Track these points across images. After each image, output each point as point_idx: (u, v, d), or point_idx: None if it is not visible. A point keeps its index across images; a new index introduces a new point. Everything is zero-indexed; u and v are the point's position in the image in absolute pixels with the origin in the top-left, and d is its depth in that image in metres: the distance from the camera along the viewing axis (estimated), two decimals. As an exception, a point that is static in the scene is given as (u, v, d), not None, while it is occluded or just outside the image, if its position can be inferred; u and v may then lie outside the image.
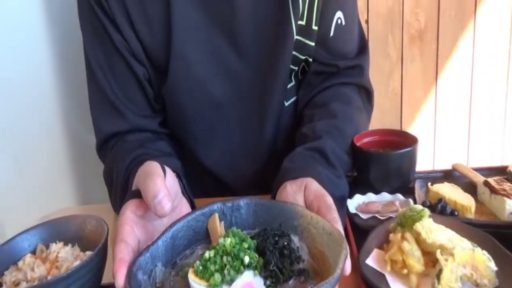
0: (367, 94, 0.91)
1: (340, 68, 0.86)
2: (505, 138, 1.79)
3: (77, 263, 0.52)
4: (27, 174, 0.94)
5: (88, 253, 0.53)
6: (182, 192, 0.63)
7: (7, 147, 0.89)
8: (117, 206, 0.73)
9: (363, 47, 0.90)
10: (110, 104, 0.78)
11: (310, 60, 0.84)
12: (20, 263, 0.54)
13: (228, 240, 0.48)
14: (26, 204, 0.88)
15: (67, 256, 0.54)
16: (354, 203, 0.77)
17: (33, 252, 0.57)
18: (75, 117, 1.06)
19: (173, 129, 0.86)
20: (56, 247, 0.56)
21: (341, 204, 0.69)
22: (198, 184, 0.84)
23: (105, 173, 0.80)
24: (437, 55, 1.77)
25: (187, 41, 0.76)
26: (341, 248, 0.45)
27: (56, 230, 0.59)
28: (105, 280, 0.56)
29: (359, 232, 0.68)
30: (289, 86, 0.86)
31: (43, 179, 1.00)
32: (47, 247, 0.57)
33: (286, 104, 0.87)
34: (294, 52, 0.81)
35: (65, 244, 0.57)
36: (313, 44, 0.82)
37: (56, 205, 0.83)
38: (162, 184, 0.51)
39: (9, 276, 0.53)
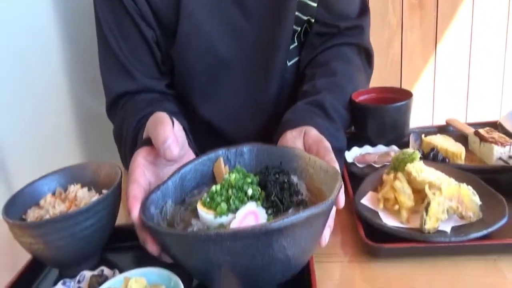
0: (367, 55, 0.93)
1: (341, 29, 0.89)
2: (502, 106, 1.82)
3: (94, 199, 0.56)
4: (36, 136, 0.97)
5: (104, 191, 0.58)
6: (189, 145, 0.67)
7: (17, 109, 0.92)
8: (127, 160, 0.76)
9: (364, 9, 0.92)
10: (119, 65, 0.81)
11: (312, 21, 0.87)
12: (42, 202, 0.59)
13: (233, 175, 0.52)
14: (35, 165, 0.92)
15: (85, 196, 0.59)
16: (352, 155, 0.82)
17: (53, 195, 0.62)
18: (83, 83, 1.09)
19: (180, 88, 0.89)
20: (74, 188, 0.60)
21: (339, 155, 0.73)
22: (204, 142, 0.87)
23: (115, 130, 0.84)
24: (436, 23, 1.78)
25: (195, 2, 0.78)
26: (336, 181, 0.49)
27: (73, 175, 0.63)
28: (118, 222, 0.61)
29: (356, 179, 0.72)
30: (291, 46, 0.88)
31: (51, 141, 1.03)
32: (65, 190, 0.62)
33: (289, 64, 0.90)
34: (297, 13, 0.83)
35: (82, 186, 0.61)
36: (315, 4, 0.84)
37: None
38: (171, 131, 0.55)
39: (32, 213, 0.57)
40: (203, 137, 0.89)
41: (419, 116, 0.85)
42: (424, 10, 1.76)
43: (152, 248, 0.49)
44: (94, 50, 0.85)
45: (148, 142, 0.58)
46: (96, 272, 0.53)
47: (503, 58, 1.79)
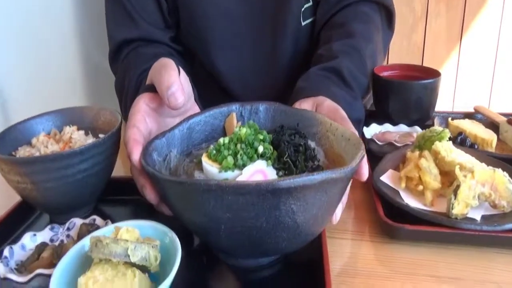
0: (387, 14, 0.86)
1: None
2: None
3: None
4: (42, 91, 0.93)
5: (102, 135, 0.53)
6: (195, 100, 0.61)
7: (24, 63, 0.88)
8: (127, 111, 0.72)
9: None
10: (124, 12, 0.78)
11: None
12: (34, 140, 0.54)
13: (244, 130, 0.47)
14: (36, 111, 0.88)
15: (80, 138, 0.54)
16: (371, 131, 0.76)
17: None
18: (91, 38, 1.04)
19: (187, 42, 0.84)
20: (69, 129, 0.55)
21: (357, 127, 0.68)
22: (209, 100, 0.82)
23: (116, 82, 0.79)
24: (464, 11, 1.70)
25: None
26: (359, 150, 0.44)
27: (70, 118, 0.58)
28: (115, 173, 0.56)
29: (374, 157, 0.67)
30: (306, 5, 0.82)
31: (57, 96, 1.00)
32: (61, 131, 0.56)
33: (303, 24, 0.83)
34: None
35: (79, 129, 0.56)
36: None
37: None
38: (177, 77, 0.50)
39: (23, 151, 0.52)
40: (208, 94, 0.84)
41: (439, 104, 0.79)
42: (451, -2, 1.68)
43: (150, 195, 0.45)
44: (102, 4, 0.81)
45: (152, 89, 0.52)
46: (87, 221, 0.48)
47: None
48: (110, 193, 0.56)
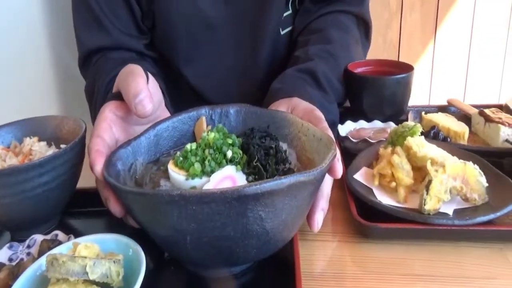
0: (365, 27, 0.87)
1: None
2: (501, 93, 1.77)
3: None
4: (12, 92, 0.90)
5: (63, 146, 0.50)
6: (166, 106, 0.60)
7: None
8: None
9: None
10: (94, 18, 0.75)
11: None
12: (-9, 154, 0.51)
13: (212, 135, 0.45)
14: (5, 119, 0.86)
15: (42, 150, 0.51)
16: (345, 129, 0.75)
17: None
18: (62, 40, 1.01)
19: (162, 50, 0.82)
20: (30, 141, 0.53)
21: (331, 129, 0.67)
22: (185, 108, 0.81)
23: (86, 88, 0.77)
24: (437, 5, 1.71)
25: None
26: (330, 149, 0.43)
27: (31, 128, 0.56)
28: (81, 184, 0.54)
29: (349, 155, 0.66)
30: (285, 14, 0.81)
31: (28, 100, 0.97)
32: (21, 143, 0.54)
33: (282, 32, 0.83)
34: None
35: (41, 140, 0.54)
36: None
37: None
38: (144, 85, 0.48)
39: (-21, 166, 0.50)
40: (183, 101, 0.82)
41: (415, 99, 0.79)
42: (425, -9, 1.69)
43: (114, 208, 0.43)
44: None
45: (119, 96, 0.50)
46: (48, 237, 0.46)
47: (504, 44, 1.73)
48: (76, 205, 0.54)
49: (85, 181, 0.56)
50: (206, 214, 0.35)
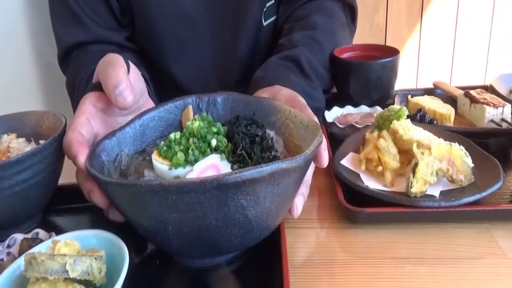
0: (351, 12, 0.86)
1: None
2: (487, 74, 1.78)
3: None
4: None
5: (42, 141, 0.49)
6: (149, 94, 0.59)
7: None
8: None
9: None
10: (71, 13, 0.73)
11: None
12: (-33, 153, 0.50)
13: (196, 123, 0.44)
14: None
15: (20, 147, 0.50)
16: (332, 115, 0.75)
17: (-16, 146, 0.53)
18: (43, 37, 0.99)
19: (143, 44, 0.80)
20: (7, 138, 0.51)
21: (316, 115, 0.67)
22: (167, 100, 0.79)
23: (67, 83, 0.75)
24: (423, -12, 1.71)
25: None
26: (316, 136, 0.42)
27: (9, 125, 0.54)
28: (62, 181, 0.53)
29: (336, 140, 0.65)
30: (268, 4, 0.80)
31: (10, 99, 0.94)
32: (-1, 141, 0.53)
33: (265, 23, 0.81)
34: None
35: (19, 137, 0.53)
36: None
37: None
38: (124, 75, 0.47)
39: (-45, 166, 0.48)
40: (166, 94, 0.81)
41: (403, 83, 0.79)
42: (411, -25, 1.68)
43: (98, 199, 0.42)
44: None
45: (99, 87, 0.49)
46: (29, 236, 0.45)
47: (489, 27, 1.74)
48: (58, 202, 0.53)
49: (66, 177, 0.55)
50: (186, 203, 0.35)
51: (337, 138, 0.67)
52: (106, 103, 0.49)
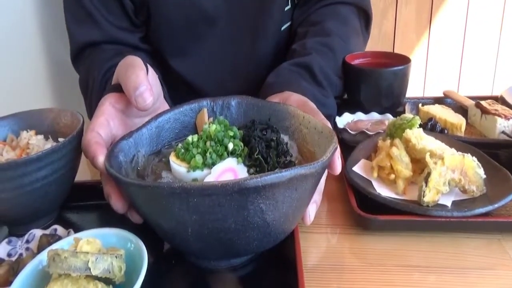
0: (366, 18, 0.86)
1: None
2: (494, 83, 1.78)
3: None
4: (6, 92, 0.88)
5: (62, 139, 0.50)
6: (165, 97, 0.59)
7: None
8: (93, 112, 0.69)
9: None
10: (84, 11, 0.73)
11: None
12: (-12, 148, 0.51)
13: (213, 127, 0.45)
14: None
15: (39, 144, 0.51)
16: (343, 121, 0.75)
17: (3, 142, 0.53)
18: (54, 35, 1.00)
19: (158, 44, 0.80)
20: (27, 134, 0.52)
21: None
22: (181, 102, 0.80)
23: (81, 81, 0.75)
24: (432, -4, 1.71)
25: None
26: (331, 142, 0.43)
27: (28, 122, 0.55)
28: (78, 178, 0.54)
29: (347, 147, 0.66)
30: (286, 8, 0.80)
31: (22, 97, 0.95)
32: (18, 137, 0.53)
33: (282, 28, 0.82)
34: None
35: (38, 134, 0.53)
36: None
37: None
38: (144, 77, 0.48)
39: (-24, 161, 0.49)
40: (180, 97, 0.81)
41: (410, 90, 0.79)
42: (420, -18, 1.68)
43: (116, 204, 0.43)
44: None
45: (118, 88, 0.50)
46: (48, 232, 0.45)
47: (498, 36, 1.74)
48: (75, 199, 0.54)
49: (82, 175, 0.55)
50: (207, 206, 0.35)
51: (348, 145, 0.68)
52: (125, 104, 0.50)
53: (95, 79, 0.68)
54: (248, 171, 0.44)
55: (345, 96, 0.82)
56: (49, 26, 0.99)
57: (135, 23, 0.77)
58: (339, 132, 0.72)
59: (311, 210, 0.45)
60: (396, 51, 1.78)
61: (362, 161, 0.60)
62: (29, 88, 0.99)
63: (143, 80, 0.47)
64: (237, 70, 0.82)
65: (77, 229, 0.45)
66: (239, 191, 0.35)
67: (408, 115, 0.59)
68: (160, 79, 0.64)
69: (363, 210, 0.51)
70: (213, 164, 0.43)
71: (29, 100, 0.98)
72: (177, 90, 0.80)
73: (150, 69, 0.52)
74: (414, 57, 1.77)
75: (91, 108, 0.71)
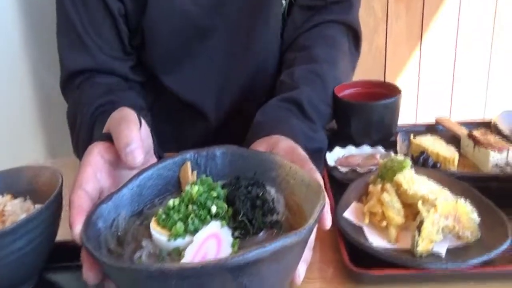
0: (354, 36, 0.85)
1: (327, 2, 0.80)
2: (487, 100, 1.77)
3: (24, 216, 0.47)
4: None
5: (38, 206, 0.48)
6: (153, 150, 0.58)
7: None
8: (79, 150, 0.69)
9: None
10: (77, 38, 0.72)
11: None
12: (-40, 217, 0.49)
13: (196, 188, 0.43)
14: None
15: (15, 210, 0.49)
16: (334, 156, 0.74)
17: (-21, 206, 0.51)
18: (42, 66, 0.98)
19: (150, 63, 0.79)
20: (2, 200, 0.50)
21: (318, 156, 0.65)
22: (179, 122, 0.78)
23: (68, 114, 0.74)
24: (422, 12, 1.71)
25: None
26: (319, 199, 0.41)
27: (4, 182, 0.53)
28: (61, 236, 0.52)
29: (338, 185, 0.65)
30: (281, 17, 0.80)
31: (9, 132, 0.94)
32: (-5, 200, 0.52)
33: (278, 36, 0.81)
34: None
35: (15, 197, 0.52)
36: None
37: (23, 159, 0.76)
38: (137, 134, 0.47)
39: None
40: (177, 118, 0.81)
41: (402, 108, 0.78)
42: (410, -1, 1.68)
43: (87, 273, 0.40)
44: (54, 22, 0.75)
45: (108, 137, 0.48)
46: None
47: (489, 49, 1.74)
48: (57, 259, 0.51)
49: (66, 232, 0.53)
50: (187, 287, 0.34)
51: (339, 183, 0.66)
52: (114, 155, 0.48)
53: (82, 116, 0.66)
54: (232, 234, 0.42)
55: (336, 126, 0.81)
56: (40, 59, 0.98)
57: (127, 51, 0.76)
58: (330, 170, 0.70)
59: (301, 270, 0.43)
60: (387, 67, 1.78)
61: (354, 205, 0.58)
62: (19, 122, 0.98)
63: (135, 137, 0.46)
64: (232, 82, 0.81)
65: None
66: (219, 272, 0.33)
67: (398, 157, 0.58)
68: (151, 132, 0.62)
69: (355, 260, 0.49)
70: (196, 230, 0.41)
71: (19, 133, 0.96)
72: (172, 108, 0.79)
73: (143, 123, 0.51)
74: (406, 71, 1.76)
75: (77, 146, 0.70)
